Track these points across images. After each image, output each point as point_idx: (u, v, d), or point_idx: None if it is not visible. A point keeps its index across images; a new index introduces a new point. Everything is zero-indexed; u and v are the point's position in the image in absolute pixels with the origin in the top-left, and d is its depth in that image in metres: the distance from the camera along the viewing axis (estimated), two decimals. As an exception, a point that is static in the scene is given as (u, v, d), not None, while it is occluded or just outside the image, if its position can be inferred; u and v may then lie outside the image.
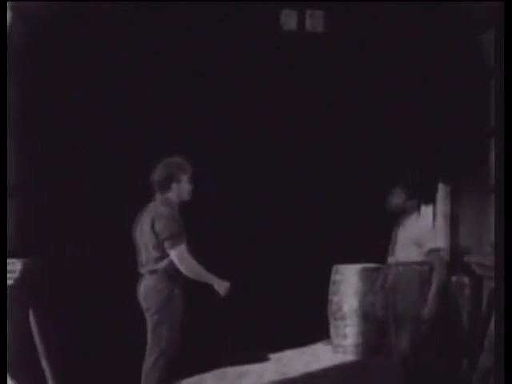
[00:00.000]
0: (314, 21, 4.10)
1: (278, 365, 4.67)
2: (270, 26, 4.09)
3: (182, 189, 3.78)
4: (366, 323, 4.88)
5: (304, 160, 4.48)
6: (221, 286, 3.69)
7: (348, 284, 4.63)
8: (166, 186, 3.74)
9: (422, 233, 4.08)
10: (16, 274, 3.32)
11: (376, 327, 4.77)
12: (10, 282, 3.28)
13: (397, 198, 4.12)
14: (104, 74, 3.68)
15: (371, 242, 4.10)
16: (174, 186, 3.79)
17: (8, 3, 2.94)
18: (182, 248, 3.65)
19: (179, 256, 3.67)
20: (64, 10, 3.44)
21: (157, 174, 3.74)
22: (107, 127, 3.70)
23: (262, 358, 4.68)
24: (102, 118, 3.69)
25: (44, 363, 3.54)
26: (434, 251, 4.03)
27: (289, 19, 4.08)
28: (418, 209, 4.14)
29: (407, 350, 3.90)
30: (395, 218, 4.11)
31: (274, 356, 4.80)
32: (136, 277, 3.43)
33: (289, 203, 5.40)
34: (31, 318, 3.44)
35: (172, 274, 3.71)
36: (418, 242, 4.06)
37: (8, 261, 3.11)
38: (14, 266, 3.28)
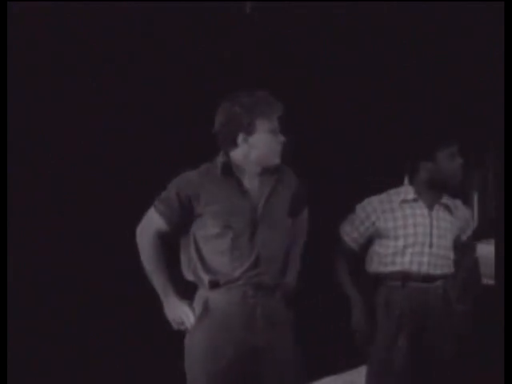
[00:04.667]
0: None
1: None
2: (270, 26, 4.09)
3: (256, 144, 2.45)
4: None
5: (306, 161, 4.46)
6: (173, 309, 2.47)
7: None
8: (227, 140, 2.48)
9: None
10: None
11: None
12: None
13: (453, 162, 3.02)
14: (104, 74, 3.68)
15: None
16: (242, 139, 2.45)
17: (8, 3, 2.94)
18: (152, 213, 2.50)
19: (143, 219, 2.53)
20: (63, 9, 3.44)
21: (216, 120, 2.51)
22: (107, 127, 3.69)
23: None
24: (101, 118, 3.69)
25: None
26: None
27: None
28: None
29: None
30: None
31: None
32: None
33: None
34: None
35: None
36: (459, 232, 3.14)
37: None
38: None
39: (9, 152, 2.77)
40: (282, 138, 2.57)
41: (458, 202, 3.17)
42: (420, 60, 4.37)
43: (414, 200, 3.04)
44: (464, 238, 3.18)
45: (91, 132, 3.56)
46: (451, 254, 3.05)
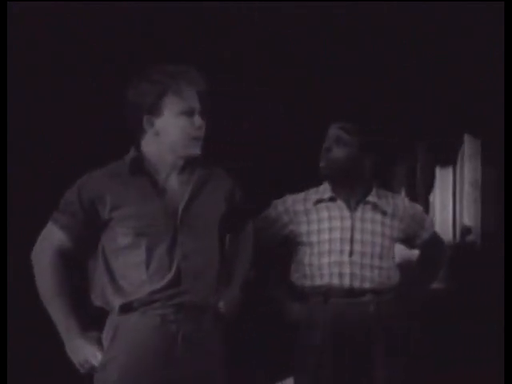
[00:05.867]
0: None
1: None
2: (270, 26, 4.09)
3: (164, 129, 1.97)
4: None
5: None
6: (78, 350, 2.00)
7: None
8: (133, 125, 2.02)
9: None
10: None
11: None
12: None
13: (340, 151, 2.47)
14: (104, 74, 3.68)
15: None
16: (147, 123, 1.99)
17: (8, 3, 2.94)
18: (50, 227, 2.09)
19: (40, 237, 2.11)
20: (63, 9, 3.45)
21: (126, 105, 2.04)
22: (107, 127, 3.70)
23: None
24: (101, 118, 3.69)
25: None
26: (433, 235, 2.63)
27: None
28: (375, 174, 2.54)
29: None
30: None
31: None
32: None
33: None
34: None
35: None
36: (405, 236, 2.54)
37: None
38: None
39: (9, 152, 2.77)
40: (198, 122, 2.00)
41: (399, 199, 2.60)
42: (420, 60, 4.37)
43: (331, 199, 2.48)
44: (419, 241, 2.60)
45: (91, 132, 3.56)
46: (386, 263, 2.46)
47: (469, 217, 3.59)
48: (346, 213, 2.45)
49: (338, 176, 2.49)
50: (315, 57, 4.27)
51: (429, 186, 4.29)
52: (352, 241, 2.41)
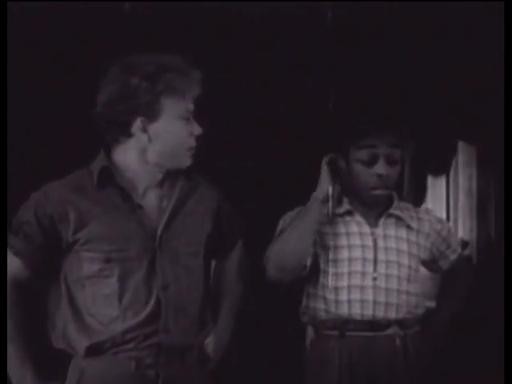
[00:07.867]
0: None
1: None
2: (270, 26, 4.09)
3: (160, 135, 1.66)
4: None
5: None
6: None
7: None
8: (116, 127, 1.73)
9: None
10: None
11: None
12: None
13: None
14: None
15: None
16: (139, 126, 1.67)
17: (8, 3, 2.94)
18: (10, 259, 1.68)
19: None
20: (63, 9, 3.45)
21: (101, 95, 1.78)
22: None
23: None
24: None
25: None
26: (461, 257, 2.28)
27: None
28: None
29: None
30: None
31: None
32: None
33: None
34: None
35: None
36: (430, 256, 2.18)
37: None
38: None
39: (9, 152, 2.77)
40: (198, 130, 1.72)
41: (423, 212, 2.24)
42: (420, 60, 4.37)
43: (348, 213, 2.13)
44: (446, 264, 2.26)
45: (91, 132, 3.55)
46: (414, 288, 2.12)
47: (464, 230, 3.26)
48: (366, 229, 2.11)
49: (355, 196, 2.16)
50: (315, 57, 4.27)
51: (419, 197, 3.91)
52: (376, 262, 2.06)
